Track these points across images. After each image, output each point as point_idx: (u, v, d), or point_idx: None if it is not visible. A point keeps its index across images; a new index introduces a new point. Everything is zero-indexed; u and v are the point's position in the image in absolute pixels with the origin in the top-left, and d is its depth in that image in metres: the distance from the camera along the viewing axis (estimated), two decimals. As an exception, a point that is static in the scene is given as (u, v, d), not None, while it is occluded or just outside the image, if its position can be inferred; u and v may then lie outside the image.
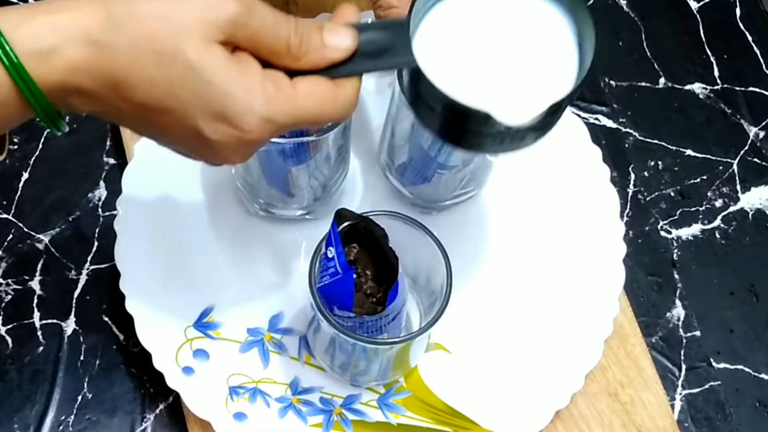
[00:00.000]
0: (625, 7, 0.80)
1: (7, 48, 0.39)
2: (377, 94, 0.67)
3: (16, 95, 0.39)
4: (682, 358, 0.66)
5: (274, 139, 0.54)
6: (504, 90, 0.45)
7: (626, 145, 0.74)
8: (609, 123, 0.74)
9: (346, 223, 0.52)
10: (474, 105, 0.43)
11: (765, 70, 0.78)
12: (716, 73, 0.77)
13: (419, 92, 0.45)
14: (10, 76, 0.39)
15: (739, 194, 0.73)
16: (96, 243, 0.67)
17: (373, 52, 0.44)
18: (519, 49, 0.46)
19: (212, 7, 0.40)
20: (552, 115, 0.45)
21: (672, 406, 0.64)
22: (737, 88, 0.77)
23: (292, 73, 0.43)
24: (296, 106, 0.42)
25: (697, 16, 0.80)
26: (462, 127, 0.45)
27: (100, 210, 0.68)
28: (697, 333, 0.67)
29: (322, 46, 0.43)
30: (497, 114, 0.43)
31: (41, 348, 0.63)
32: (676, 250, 0.70)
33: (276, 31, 0.42)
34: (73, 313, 0.65)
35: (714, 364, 0.67)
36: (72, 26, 0.40)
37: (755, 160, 0.74)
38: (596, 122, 0.74)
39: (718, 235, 0.71)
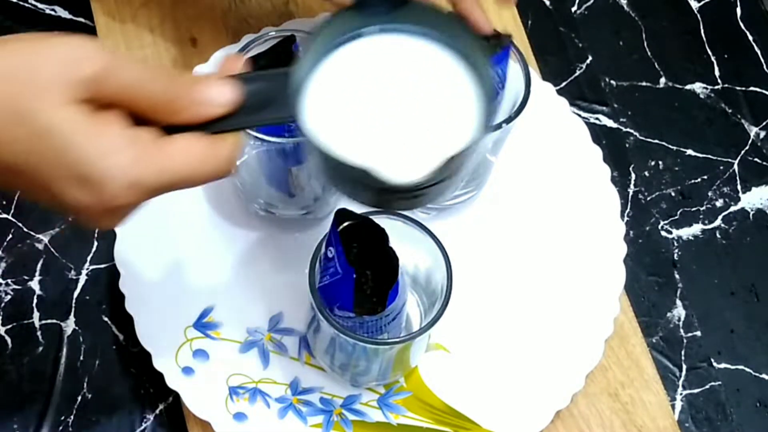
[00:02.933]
0: (625, 6, 0.80)
1: None
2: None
3: None
4: (683, 358, 0.66)
5: (274, 139, 0.54)
6: (393, 146, 0.43)
7: (627, 145, 0.74)
8: (609, 123, 0.74)
9: (346, 223, 0.52)
10: (355, 161, 0.40)
11: (765, 69, 0.78)
12: (717, 72, 0.77)
13: (309, 149, 0.43)
14: None
15: (740, 194, 0.73)
16: (96, 243, 0.67)
17: (257, 105, 0.42)
18: (412, 103, 0.44)
19: (72, 65, 0.38)
20: (449, 169, 0.42)
21: (672, 406, 0.64)
22: (738, 88, 0.77)
23: (171, 128, 0.41)
24: (165, 167, 0.40)
25: (698, 15, 0.80)
26: (355, 185, 0.43)
27: (100, 210, 0.68)
28: (698, 333, 0.67)
29: (198, 101, 0.41)
30: (381, 171, 0.40)
31: (41, 348, 0.63)
32: (676, 250, 0.70)
33: (147, 87, 0.40)
34: (73, 313, 0.64)
35: (715, 364, 0.66)
36: None
37: (756, 159, 0.74)
38: (596, 122, 0.74)
39: (718, 235, 0.71)
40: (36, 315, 0.64)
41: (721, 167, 0.74)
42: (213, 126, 0.41)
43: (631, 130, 0.74)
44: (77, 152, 0.38)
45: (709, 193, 0.73)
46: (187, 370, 0.59)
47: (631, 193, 0.72)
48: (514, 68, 0.57)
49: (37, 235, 0.67)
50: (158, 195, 0.41)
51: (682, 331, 0.67)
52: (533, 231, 0.66)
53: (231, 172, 0.42)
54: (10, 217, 0.67)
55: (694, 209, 0.72)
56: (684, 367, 0.66)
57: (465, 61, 0.44)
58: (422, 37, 0.45)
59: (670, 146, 0.74)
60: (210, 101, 0.41)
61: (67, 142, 0.38)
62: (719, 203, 0.72)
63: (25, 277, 0.65)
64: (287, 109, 0.42)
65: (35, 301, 0.65)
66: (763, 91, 0.77)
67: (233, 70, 0.43)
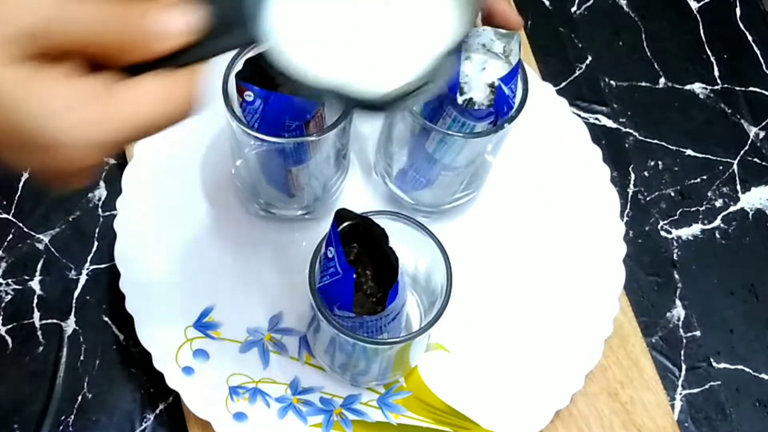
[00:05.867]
0: (625, 7, 0.80)
1: None
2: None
3: None
4: (682, 358, 0.67)
5: (274, 139, 0.54)
6: (368, 57, 0.40)
7: (626, 145, 0.74)
8: (609, 123, 0.74)
9: (346, 223, 0.52)
10: (322, 81, 0.39)
11: (765, 70, 0.78)
12: (716, 73, 0.77)
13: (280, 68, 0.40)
14: None
15: (739, 194, 0.73)
16: (96, 243, 0.67)
17: (221, 29, 0.38)
18: (384, 13, 0.41)
19: (9, 19, 0.36)
20: (430, 75, 0.40)
21: (672, 406, 0.64)
22: (737, 88, 0.77)
23: (134, 68, 0.38)
24: (123, 119, 0.37)
25: (697, 16, 0.80)
26: (333, 99, 0.40)
27: (100, 210, 0.68)
28: (697, 333, 0.67)
29: (151, 36, 0.37)
30: (351, 87, 0.38)
31: (41, 348, 0.63)
32: (676, 250, 0.70)
33: (97, 30, 0.37)
34: (73, 313, 0.65)
35: (714, 364, 0.67)
36: None
37: (755, 160, 0.74)
38: (596, 122, 0.74)
39: (718, 235, 0.71)
40: (36, 315, 0.64)
41: (721, 167, 0.74)
42: (178, 58, 0.38)
43: (631, 130, 0.75)
44: (25, 116, 0.36)
45: (709, 193, 0.73)
46: (187, 370, 0.59)
47: (630, 193, 0.72)
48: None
49: (38, 235, 0.67)
50: (115, 149, 0.38)
51: (681, 330, 0.67)
52: (533, 231, 0.66)
53: (194, 111, 0.39)
54: (10, 217, 0.67)
55: (693, 209, 0.72)
56: (683, 366, 0.66)
57: None
58: None
59: (669, 146, 0.74)
60: (161, 35, 0.38)
61: (13, 106, 0.36)
62: (719, 203, 0.72)
63: (26, 277, 0.65)
64: (254, 31, 0.39)
65: (35, 301, 0.65)
66: (763, 92, 0.77)
67: None
